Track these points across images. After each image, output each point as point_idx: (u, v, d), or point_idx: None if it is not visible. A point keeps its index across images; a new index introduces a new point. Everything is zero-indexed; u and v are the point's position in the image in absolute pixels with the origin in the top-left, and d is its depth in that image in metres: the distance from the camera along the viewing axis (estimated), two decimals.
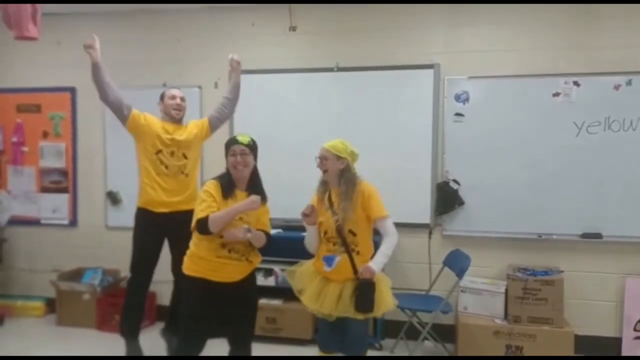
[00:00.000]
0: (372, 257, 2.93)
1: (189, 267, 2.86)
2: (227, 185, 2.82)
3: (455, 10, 4.30)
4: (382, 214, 2.92)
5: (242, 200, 2.79)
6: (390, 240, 2.92)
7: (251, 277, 2.95)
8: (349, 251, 2.88)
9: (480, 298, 4.04)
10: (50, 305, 4.95)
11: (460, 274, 3.74)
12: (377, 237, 3.03)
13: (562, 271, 4.00)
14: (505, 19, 4.22)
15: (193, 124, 3.74)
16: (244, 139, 2.85)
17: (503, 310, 3.98)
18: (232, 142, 2.86)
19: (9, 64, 5.11)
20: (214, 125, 3.79)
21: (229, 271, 2.81)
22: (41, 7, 3.40)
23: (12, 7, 3.35)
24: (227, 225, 2.71)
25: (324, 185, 3.03)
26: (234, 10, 4.65)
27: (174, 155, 3.59)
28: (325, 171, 2.98)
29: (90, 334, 4.53)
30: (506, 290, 3.97)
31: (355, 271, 2.87)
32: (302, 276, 3.07)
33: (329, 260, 2.91)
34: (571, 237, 4.11)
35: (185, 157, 3.63)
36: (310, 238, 3.03)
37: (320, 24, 4.52)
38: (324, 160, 2.96)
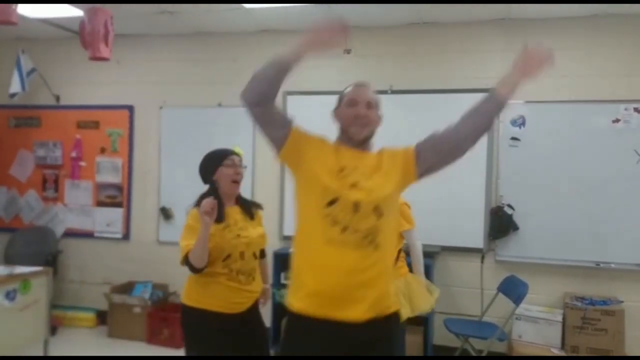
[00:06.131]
0: None
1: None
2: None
3: (511, 34, 4.30)
4: None
5: (235, 216, 2.52)
6: None
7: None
8: None
9: (536, 326, 3.96)
10: (100, 317, 5.05)
11: (517, 301, 3.67)
12: None
13: (622, 301, 3.90)
14: (563, 44, 4.20)
15: None
16: (240, 151, 2.62)
17: (560, 339, 3.89)
18: (227, 153, 2.58)
19: (72, 82, 5.30)
20: None
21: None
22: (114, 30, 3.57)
23: (87, 29, 3.53)
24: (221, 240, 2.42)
25: None
26: (288, 34, 4.74)
27: None
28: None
29: (140, 347, 4.60)
30: (563, 319, 3.89)
31: None
32: None
33: None
34: (630, 267, 4.01)
35: None
36: None
37: (375, 47, 4.58)
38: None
